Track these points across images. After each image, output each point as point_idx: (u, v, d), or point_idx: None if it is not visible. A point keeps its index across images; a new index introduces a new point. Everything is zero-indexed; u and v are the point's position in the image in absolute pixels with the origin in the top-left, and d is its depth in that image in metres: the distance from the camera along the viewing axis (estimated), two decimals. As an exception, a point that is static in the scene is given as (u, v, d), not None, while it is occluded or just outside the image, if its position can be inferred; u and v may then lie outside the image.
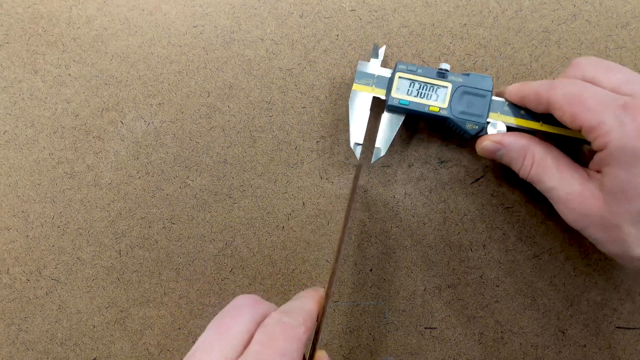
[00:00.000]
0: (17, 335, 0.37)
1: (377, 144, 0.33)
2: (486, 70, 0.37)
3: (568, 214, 0.28)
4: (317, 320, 0.25)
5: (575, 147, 0.33)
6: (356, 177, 0.30)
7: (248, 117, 0.37)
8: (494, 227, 0.36)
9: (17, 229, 0.37)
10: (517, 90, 0.31)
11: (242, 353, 0.22)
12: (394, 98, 0.32)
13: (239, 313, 0.24)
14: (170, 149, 0.37)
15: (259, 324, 0.24)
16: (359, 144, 0.33)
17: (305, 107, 0.37)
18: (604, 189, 0.27)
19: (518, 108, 0.32)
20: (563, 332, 0.36)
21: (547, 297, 0.36)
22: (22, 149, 0.38)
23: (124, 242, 0.37)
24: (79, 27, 0.38)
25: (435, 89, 0.33)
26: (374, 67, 0.34)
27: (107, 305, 0.37)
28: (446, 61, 0.37)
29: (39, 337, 0.37)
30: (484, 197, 0.36)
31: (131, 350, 0.37)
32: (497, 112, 0.32)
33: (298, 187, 0.37)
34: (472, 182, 0.36)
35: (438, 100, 0.32)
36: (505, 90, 0.33)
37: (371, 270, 0.36)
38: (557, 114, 0.28)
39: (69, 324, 0.37)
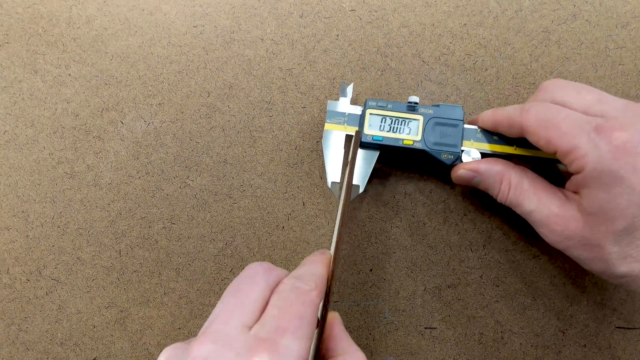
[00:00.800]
0: (17, 335, 0.37)
1: (355, 181, 0.34)
2: (486, 70, 0.37)
3: (549, 236, 0.29)
4: (327, 283, 0.26)
5: (551, 167, 0.33)
6: (355, 143, 0.30)
7: (248, 117, 0.37)
8: (494, 227, 0.36)
9: (17, 229, 0.37)
10: (489, 116, 0.32)
11: (259, 318, 0.23)
12: (367, 135, 0.33)
13: (254, 280, 0.24)
14: (170, 149, 0.37)
15: (273, 290, 0.24)
16: (336, 183, 0.34)
17: (305, 107, 0.37)
18: (583, 210, 0.27)
19: (491, 134, 0.32)
20: (563, 332, 0.36)
21: (547, 297, 0.36)
22: (22, 149, 0.38)
23: (124, 242, 0.37)
24: (79, 27, 0.38)
25: (407, 123, 0.33)
26: (343, 105, 0.34)
27: (107, 305, 0.37)
28: (446, 61, 0.37)
29: (39, 337, 0.37)
30: (484, 197, 0.36)
31: (131, 350, 0.37)
32: (470, 140, 0.33)
33: (298, 187, 0.37)
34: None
35: (411, 133, 0.33)
36: (477, 117, 0.33)
37: (371, 270, 0.36)
38: (532, 139, 0.28)
39: (69, 324, 0.37)
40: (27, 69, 0.38)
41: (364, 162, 0.34)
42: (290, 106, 0.37)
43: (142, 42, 0.38)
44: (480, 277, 0.36)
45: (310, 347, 0.22)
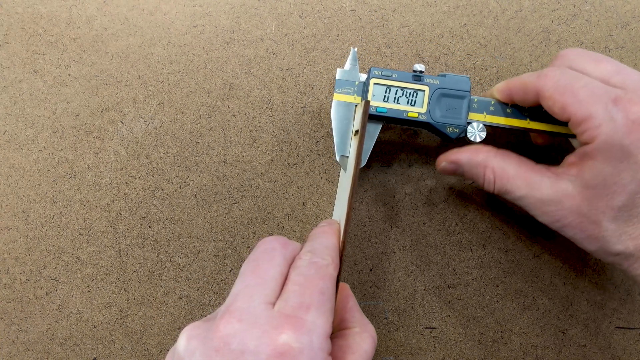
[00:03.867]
0: (17, 335, 0.37)
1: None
2: (486, 70, 0.37)
3: (543, 217, 0.28)
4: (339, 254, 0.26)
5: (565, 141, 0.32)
6: (365, 113, 0.28)
7: (248, 117, 0.37)
8: (494, 227, 0.36)
9: (17, 229, 0.37)
10: (504, 84, 0.31)
11: (279, 294, 0.23)
12: (370, 106, 0.31)
13: (272, 256, 0.24)
14: (170, 149, 0.37)
15: (290, 265, 0.24)
16: (345, 157, 0.32)
17: (305, 107, 0.37)
18: (584, 182, 0.26)
19: (504, 107, 0.31)
20: (563, 332, 0.36)
21: (547, 297, 0.36)
22: (22, 149, 0.38)
23: (124, 242, 0.37)
24: (79, 27, 0.38)
25: (412, 94, 0.31)
26: (353, 73, 0.32)
27: (107, 305, 0.37)
28: (446, 61, 0.37)
29: (39, 337, 0.37)
30: (484, 197, 0.36)
31: (131, 350, 0.37)
32: (482, 113, 0.31)
33: (298, 187, 0.37)
34: (472, 182, 0.36)
35: (416, 105, 0.31)
36: (492, 89, 0.32)
37: (371, 270, 0.36)
38: (546, 104, 0.27)
39: (69, 324, 0.37)
40: (27, 69, 0.38)
41: (367, 135, 0.32)
42: (290, 106, 0.37)
43: (142, 42, 0.38)
44: (480, 277, 0.36)
45: (332, 322, 0.23)
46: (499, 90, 0.31)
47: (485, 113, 0.31)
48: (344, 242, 0.27)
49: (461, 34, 0.37)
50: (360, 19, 0.37)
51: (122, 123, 0.37)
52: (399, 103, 0.31)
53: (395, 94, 0.32)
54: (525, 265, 0.36)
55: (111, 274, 0.37)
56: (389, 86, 0.32)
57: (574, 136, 0.30)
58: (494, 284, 0.36)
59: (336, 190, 0.37)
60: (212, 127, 0.37)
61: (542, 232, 0.36)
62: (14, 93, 0.38)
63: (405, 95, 0.31)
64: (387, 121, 0.32)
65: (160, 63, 0.38)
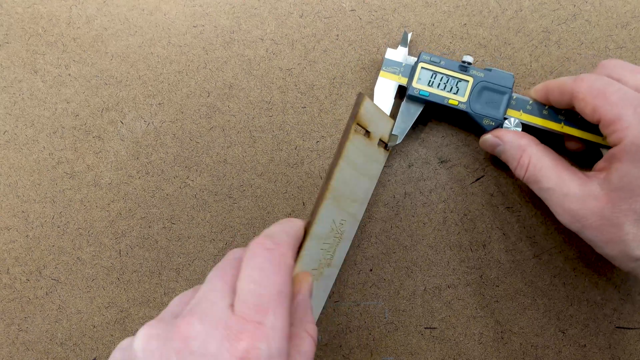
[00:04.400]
0: (17, 335, 0.37)
1: (395, 131, 0.34)
2: (486, 70, 0.37)
3: (565, 216, 0.29)
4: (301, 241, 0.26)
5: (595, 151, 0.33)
6: (357, 105, 0.29)
7: (248, 117, 0.37)
8: (494, 227, 0.36)
9: (17, 229, 0.37)
10: (542, 85, 0.32)
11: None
12: (414, 88, 0.33)
13: (239, 264, 0.24)
14: (170, 149, 0.37)
15: None
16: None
17: (305, 107, 0.37)
18: (610, 185, 0.27)
19: (541, 107, 0.32)
20: (563, 332, 0.36)
21: (547, 297, 0.36)
22: (22, 149, 0.38)
23: (124, 242, 0.37)
24: (79, 27, 0.38)
25: (456, 82, 0.33)
26: (401, 55, 0.34)
27: (107, 305, 0.37)
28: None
29: (39, 337, 0.37)
30: (484, 197, 0.36)
31: (131, 350, 0.37)
32: (519, 111, 0.33)
33: (298, 187, 0.37)
34: (472, 182, 0.36)
35: (458, 93, 0.33)
36: (531, 89, 0.33)
37: (371, 270, 0.36)
38: (579, 106, 0.28)
39: (69, 324, 0.37)
40: (27, 69, 0.38)
41: (406, 115, 0.34)
42: (290, 106, 0.37)
43: (142, 42, 0.38)
44: (480, 277, 0.36)
45: (289, 320, 0.23)
46: (536, 90, 0.32)
47: (522, 111, 0.33)
48: (308, 227, 0.27)
49: (461, 34, 0.37)
50: (360, 19, 0.37)
51: (122, 123, 0.37)
52: (442, 89, 0.33)
53: (440, 80, 0.33)
54: (525, 265, 0.36)
55: (111, 274, 0.37)
56: (435, 72, 0.33)
57: (605, 146, 0.32)
58: (494, 284, 0.36)
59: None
60: (212, 127, 0.37)
61: (542, 232, 0.36)
62: (14, 93, 0.38)
63: (449, 83, 0.33)
64: (428, 105, 0.33)
65: (160, 63, 0.38)
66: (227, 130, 0.37)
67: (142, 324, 0.37)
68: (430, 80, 0.33)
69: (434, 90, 0.33)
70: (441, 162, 0.36)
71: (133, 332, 0.37)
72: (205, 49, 0.37)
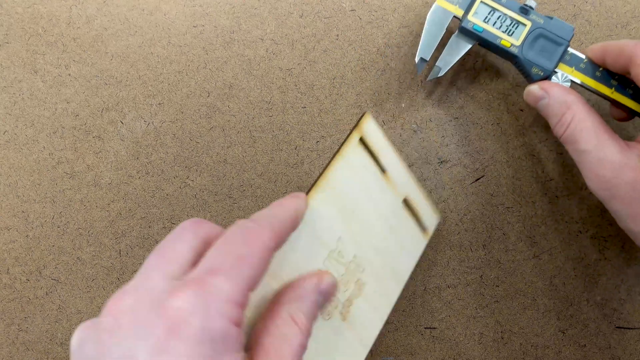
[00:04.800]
0: (17, 335, 0.37)
1: (439, 62, 0.32)
2: (486, 70, 0.37)
3: (596, 181, 0.27)
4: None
5: None
6: (357, 125, 0.28)
7: (248, 117, 0.37)
8: (494, 227, 0.36)
9: (17, 229, 0.37)
10: (600, 45, 0.30)
11: (192, 268, 0.21)
12: (469, 21, 0.31)
13: (180, 235, 0.22)
14: (170, 149, 0.37)
15: (207, 242, 0.22)
16: (425, 60, 0.32)
17: (305, 107, 0.37)
18: None
19: (595, 68, 0.31)
20: (563, 332, 0.36)
21: (547, 297, 0.36)
22: (22, 149, 0.38)
23: (124, 242, 0.37)
24: (79, 27, 0.38)
25: (513, 24, 0.31)
26: None
27: (107, 305, 0.37)
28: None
29: (39, 337, 0.37)
30: (484, 197, 0.36)
31: (131, 350, 0.37)
32: (572, 67, 0.31)
33: (298, 187, 0.37)
34: (472, 182, 0.36)
35: (513, 35, 0.31)
36: (588, 48, 0.32)
37: (371, 270, 0.36)
38: (636, 71, 0.27)
39: (69, 324, 0.37)
40: (27, 69, 0.38)
41: (454, 49, 0.32)
42: (290, 106, 0.37)
43: (142, 42, 0.38)
44: (480, 277, 0.36)
45: (247, 291, 0.20)
46: (593, 49, 0.31)
47: (574, 68, 0.31)
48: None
49: (461, 34, 0.37)
50: (360, 19, 0.37)
51: (122, 123, 0.37)
52: (497, 28, 0.32)
53: (497, 18, 0.32)
54: (525, 265, 0.36)
55: (111, 274, 0.37)
56: (493, 9, 0.32)
57: None
58: (494, 284, 0.36)
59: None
60: (212, 127, 0.37)
61: (542, 232, 0.36)
62: (14, 93, 0.38)
63: (506, 23, 0.31)
64: (479, 41, 0.32)
65: (160, 63, 0.38)
66: (227, 130, 0.37)
67: (142, 324, 0.37)
68: (487, 17, 0.31)
69: (488, 27, 0.31)
70: (441, 162, 0.36)
71: (133, 332, 0.37)
72: (205, 49, 0.38)
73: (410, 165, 0.36)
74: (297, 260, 0.26)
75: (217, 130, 0.37)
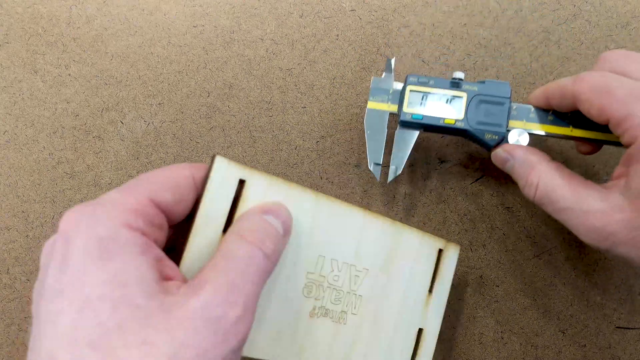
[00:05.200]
0: (17, 335, 0.37)
1: (392, 162, 0.32)
2: (486, 70, 0.37)
3: (590, 235, 0.25)
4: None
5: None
6: (209, 169, 0.23)
7: (248, 117, 0.37)
8: (494, 227, 0.36)
9: (17, 229, 0.37)
10: (541, 90, 0.30)
11: None
12: (405, 113, 0.31)
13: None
14: (170, 149, 0.37)
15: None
16: (379, 164, 0.32)
17: (305, 107, 0.37)
18: (632, 192, 0.24)
19: (545, 113, 0.30)
20: (563, 332, 0.36)
21: (547, 297, 0.36)
22: (22, 149, 0.38)
23: (124, 242, 0.37)
24: (79, 27, 0.38)
25: (449, 100, 0.31)
26: (388, 82, 0.32)
27: (107, 305, 0.37)
28: (446, 61, 0.37)
29: (39, 337, 0.37)
30: (484, 197, 0.36)
31: (131, 350, 0.37)
32: (522, 120, 0.30)
33: (298, 187, 0.37)
34: (472, 182, 0.36)
35: (453, 111, 0.31)
36: (530, 96, 0.31)
37: (371, 270, 0.36)
38: (584, 107, 0.26)
39: (69, 324, 0.37)
40: (27, 69, 0.38)
41: (402, 143, 0.31)
42: (290, 106, 0.37)
43: (142, 42, 0.38)
44: (480, 277, 0.36)
45: (144, 200, 0.20)
46: (536, 96, 0.30)
47: (524, 120, 0.30)
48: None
49: (461, 34, 0.37)
50: (360, 19, 0.37)
51: (122, 123, 0.37)
52: (435, 110, 0.31)
53: (432, 100, 0.31)
54: (525, 265, 0.36)
55: (111, 274, 0.37)
56: (425, 93, 0.31)
57: (619, 143, 0.28)
58: (494, 284, 0.36)
59: (335, 190, 0.37)
60: (212, 127, 0.37)
61: (542, 232, 0.36)
62: (14, 93, 0.38)
63: (442, 102, 0.31)
64: (424, 128, 0.31)
65: (160, 63, 0.38)
66: (227, 130, 0.37)
67: (142, 324, 0.37)
68: (421, 102, 0.31)
69: (427, 111, 0.31)
70: (441, 162, 0.36)
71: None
72: (205, 49, 0.38)
73: (410, 166, 0.36)
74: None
75: (217, 130, 0.37)
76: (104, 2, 0.38)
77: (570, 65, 0.36)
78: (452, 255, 0.31)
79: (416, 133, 0.32)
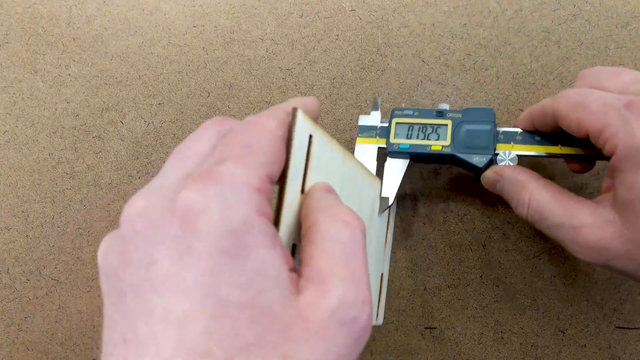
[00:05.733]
0: (17, 335, 0.37)
1: (384, 193, 0.32)
2: (486, 70, 0.37)
3: (585, 252, 0.25)
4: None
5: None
6: (293, 117, 0.21)
7: (248, 117, 0.37)
8: (494, 227, 0.36)
9: (17, 229, 0.37)
10: (526, 113, 0.30)
11: None
12: (392, 144, 0.32)
13: (201, 133, 0.20)
14: (170, 149, 0.37)
15: None
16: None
17: (305, 107, 0.37)
18: (620, 201, 0.24)
19: (532, 135, 0.31)
20: (563, 332, 0.36)
21: (547, 297, 0.36)
22: (22, 149, 0.38)
23: (124, 242, 0.37)
24: (79, 27, 0.38)
25: (435, 129, 0.32)
26: (375, 119, 0.33)
27: (107, 305, 0.37)
28: (446, 61, 0.37)
29: (39, 337, 0.37)
30: (484, 197, 0.36)
31: (131, 350, 0.37)
32: (510, 143, 0.31)
33: (298, 187, 0.37)
34: (472, 182, 0.36)
35: (440, 139, 0.32)
36: (517, 120, 0.31)
37: (371, 270, 0.36)
38: (564, 124, 0.27)
39: (69, 324, 0.37)
40: (27, 69, 0.38)
41: (391, 174, 0.32)
42: (290, 106, 0.37)
43: (142, 42, 0.38)
44: (480, 277, 0.36)
45: (265, 178, 0.17)
46: (521, 120, 0.31)
47: (512, 143, 0.31)
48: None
49: (461, 34, 0.37)
50: (360, 19, 0.37)
51: (122, 123, 0.37)
52: (422, 139, 0.32)
53: (419, 130, 0.32)
54: (525, 265, 0.36)
55: (111, 274, 0.37)
56: (411, 124, 0.32)
57: (608, 158, 0.28)
58: (494, 284, 0.36)
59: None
60: (212, 127, 0.37)
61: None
62: (14, 93, 0.38)
63: (428, 131, 0.32)
64: (412, 157, 0.32)
65: (160, 63, 0.38)
66: (227, 130, 0.37)
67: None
68: (408, 133, 0.32)
69: (413, 141, 0.32)
70: (441, 162, 0.37)
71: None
72: (205, 49, 0.37)
73: (410, 166, 0.36)
74: None
75: (217, 130, 0.37)
76: (104, 2, 0.38)
77: (570, 65, 0.36)
78: (385, 203, 0.31)
79: (405, 163, 0.32)
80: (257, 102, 0.37)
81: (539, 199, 0.27)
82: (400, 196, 0.36)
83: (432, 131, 0.32)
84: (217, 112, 0.37)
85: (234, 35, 0.37)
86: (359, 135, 0.33)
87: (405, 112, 0.32)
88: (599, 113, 0.25)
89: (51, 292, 0.37)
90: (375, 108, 0.34)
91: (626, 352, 0.36)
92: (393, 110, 0.33)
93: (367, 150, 0.33)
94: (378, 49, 0.37)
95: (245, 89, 0.37)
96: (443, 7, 0.37)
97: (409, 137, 0.32)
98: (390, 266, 0.36)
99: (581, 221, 0.25)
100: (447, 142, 0.31)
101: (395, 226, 0.36)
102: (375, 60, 0.37)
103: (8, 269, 0.37)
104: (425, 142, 0.32)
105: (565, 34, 0.37)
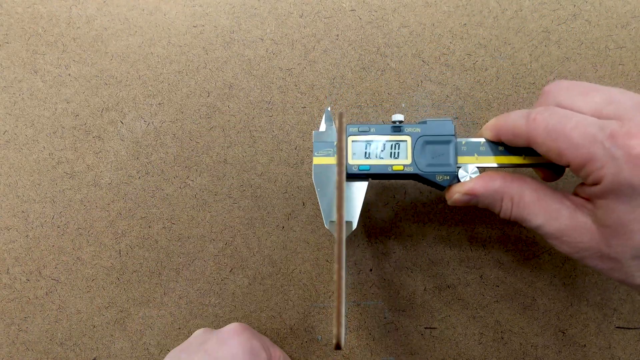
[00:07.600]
0: (17, 335, 0.37)
1: (346, 217, 0.30)
2: (486, 70, 0.37)
3: (564, 247, 0.27)
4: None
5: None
6: (340, 124, 0.25)
7: (248, 117, 0.37)
8: (494, 227, 0.36)
9: (17, 229, 0.37)
10: (491, 126, 0.29)
11: None
12: (352, 165, 0.30)
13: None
14: (170, 149, 0.37)
15: None
16: (334, 222, 0.29)
17: (305, 107, 0.37)
18: (600, 222, 0.25)
19: (496, 145, 0.29)
20: (563, 332, 0.36)
21: (547, 297, 0.36)
22: (22, 149, 0.38)
23: (124, 242, 0.37)
24: (79, 27, 0.38)
25: (394, 146, 0.30)
26: (330, 133, 0.31)
27: (107, 305, 0.37)
28: (446, 61, 0.37)
29: (39, 337, 0.37)
30: (484, 197, 0.36)
31: (131, 350, 0.37)
32: (473, 155, 0.29)
33: (298, 187, 0.37)
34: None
35: (400, 157, 0.30)
36: (482, 128, 0.30)
37: (371, 270, 0.36)
38: (541, 150, 0.26)
39: (69, 324, 0.37)
40: (27, 69, 0.38)
41: (352, 196, 0.30)
42: (290, 106, 0.37)
43: (142, 42, 0.38)
44: (480, 277, 0.36)
45: None
46: (487, 130, 0.30)
47: (476, 155, 0.29)
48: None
49: (461, 34, 0.37)
50: (360, 19, 0.37)
51: (122, 123, 0.37)
52: (381, 158, 0.30)
53: (377, 148, 0.30)
54: (525, 265, 0.36)
55: (111, 274, 0.37)
56: (368, 142, 0.30)
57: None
58: (494, 284, 0.36)
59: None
60: (212, 127, 0.37)
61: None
62: (14, 93, 0.38)
63: (387, 148, 0.30)
64: (373, 178, 0.31)
65: (160, 63, 0.38)
66: (227, 130, 0.37)
67: (142, 324, 0.37)
68: (365, 152, 0.30)
69: (373, 161, 0.30)
70: (441, 162, 0.36)
71: (133, 332, 0.37)
72: (205, 49, 0.38)
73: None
74: None
75: (217, 130, 0.37)
76: (104, 2, 0.38)
77: (570, 65, 0.36)
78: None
79: (365, 184, 0.31)
80: (257, 102, 0.37)
81: (519, 202, 0.27)
82: (400, 196, 0.36)
83: (392, 148, 0.30)
84: (217, 112, 0.37)
85: (234, 35, 0.37)
86: (315, 154, 0.30)
87: (361, 128, 0.30)
88: (582, 145, 0.24)
89: (51, 292, 0.37)
90: (328, 121, 0.31)
91: (626, 352, 0.36)
92: (347, 127, 0.30)
93: (325, 171, 0.30)
94: (378, 49, 0.37)
95: (245, 89, 0.37)
96: (443, 7, 0.37)
97: (367, 156, 0.30)
98: (390, 266, 0.36)
99: (560, 223, 0.26)
100: (409, 161, 0.30)
101: (395, 226, 0.36)
102: (375, 60, 0.37)
103: (8, 269, 0.37)
104: (386, 161, 0.30)
105: (565, 34, 0.37)
